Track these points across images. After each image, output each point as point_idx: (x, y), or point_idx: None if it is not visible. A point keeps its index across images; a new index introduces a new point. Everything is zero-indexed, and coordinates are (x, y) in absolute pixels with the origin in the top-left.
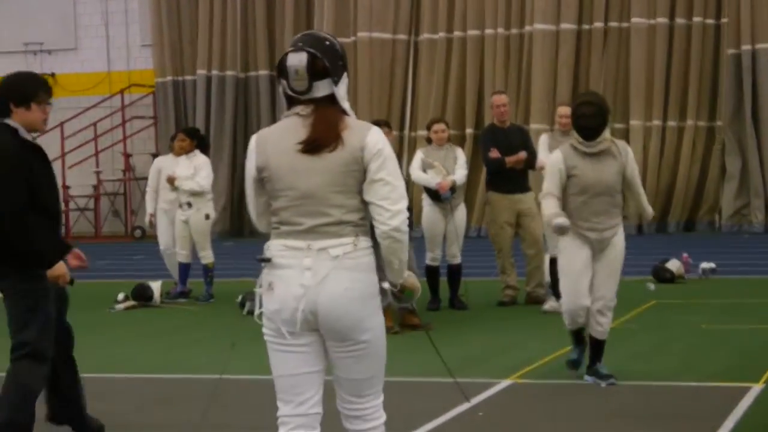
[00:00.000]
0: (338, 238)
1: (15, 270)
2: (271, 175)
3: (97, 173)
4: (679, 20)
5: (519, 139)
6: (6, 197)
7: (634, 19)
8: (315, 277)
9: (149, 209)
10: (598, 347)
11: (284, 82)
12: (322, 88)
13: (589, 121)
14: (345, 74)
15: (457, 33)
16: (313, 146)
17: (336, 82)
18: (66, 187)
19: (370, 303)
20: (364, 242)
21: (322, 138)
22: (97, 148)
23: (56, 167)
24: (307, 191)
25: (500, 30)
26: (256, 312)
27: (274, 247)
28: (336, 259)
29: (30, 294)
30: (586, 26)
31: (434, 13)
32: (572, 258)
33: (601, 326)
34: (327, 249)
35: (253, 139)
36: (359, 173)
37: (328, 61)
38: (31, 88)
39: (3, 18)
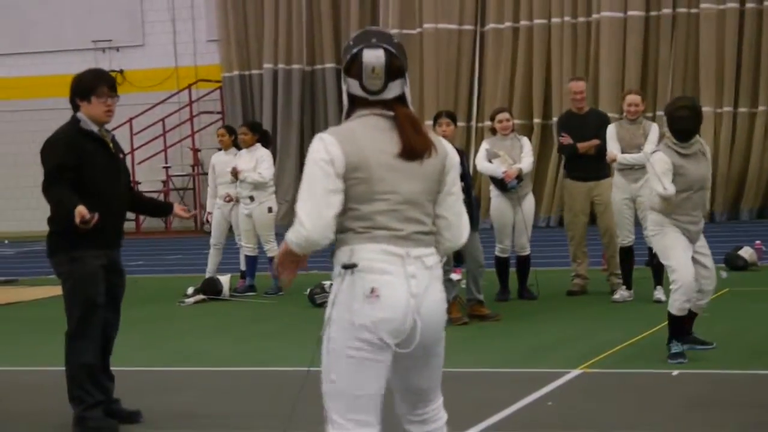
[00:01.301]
0: (429, 247)
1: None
2: (370, 176)
3: (166, 169)
4: (750, 5)
5: (595, 126)
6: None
7: (703, 5)
8: (419, 286)
9: (209, 208)
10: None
11: (352, 80)
12: (394, 89)
13: (687, 124)
14: (407, 75)
15: (523, 22)
16: (413, 153)
17: (406, 83)
18: (136, 183)
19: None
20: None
21: (421, 143)
22: (165, 144)
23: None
24: (410, 196)
25: (567, 18)
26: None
27: (366, 251)
28: (430, 269)
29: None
30: (654, 13)
31: (500, 2)
32: (677, 243)
33: (704, 303)
34: (422, 258)
35: (331, 136)
36: (442, 183)
37: (402, 60)
38: (90, 83)
39: (71, 15)
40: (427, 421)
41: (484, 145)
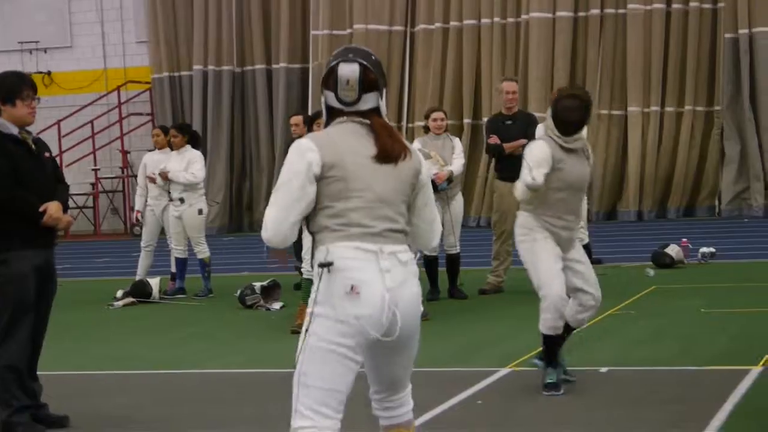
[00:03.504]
0: (402, 244)
1: None
2: (346, 174)
3: (95, 171)
4: (676, 5)
5: (523, 127)
6: None
7: (630, 5)
8: (394, 280)
9: (137, 206)
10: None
11: (329, 93)
12: (369, 101)
13: (573, 115)
14: (385, 89)
15: (453, 23)
16: (388, 155)
17: (381, 96)
18: None
19: None
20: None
21: (395, 147)
22: (94, 146)
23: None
24: (383, 194)
25: (496, 19)
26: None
27: (340, 250)
28: (405, 265)
29: None
30: (582, 13)
31: (430, 3)
32: (547, 253)
33: (586, 317)
34: (396, 254)
35: (309, 140)
36: (415, 189)
37: (377, 74)
38: (14, 86)
39: None
40: (395, 407)
41: (416, 145)
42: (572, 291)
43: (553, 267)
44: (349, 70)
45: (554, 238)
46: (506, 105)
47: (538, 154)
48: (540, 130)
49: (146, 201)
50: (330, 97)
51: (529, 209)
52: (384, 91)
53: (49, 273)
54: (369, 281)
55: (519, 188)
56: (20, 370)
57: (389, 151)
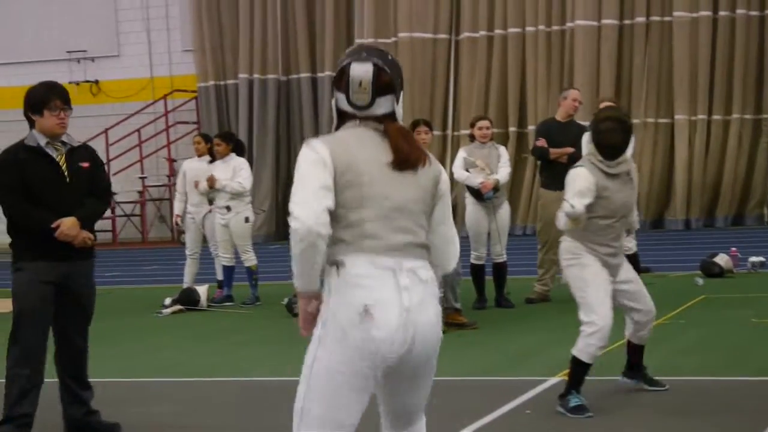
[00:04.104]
0: (423, 260)
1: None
2: (360, 180)
3: (142, 179)
4: (723, 12)
5: (574, 135)
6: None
7: (676, 13)
8: (412, 299)
9: (177, 211)
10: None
11: (340, 95)
12: (383, 105)
13: (614, 138)
14: (402, 93)
15: (497, 31)
16: (405, 162)
17: (397, 100)
18: (112, 194)
19: None
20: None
21: (413, 153)
22: (141, 154)
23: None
24: (402, 203)
25: (541, 27)
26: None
27: (355, 265)
28: (425, 284)
29: None
30: (627, 21)
31: (474, 11)
32: (598, 278)
33: (646, 332)
34: (416, 270)
35: (319, 141)
36: (434, 199)
37: (392, 76)
38: (42, 96)
39: (46, 26)
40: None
41: (462, 153)
42: (626, 311)
43: (602, 293)
44: (362, 71)
45: (602, 264)
46: (569, 111)
47: (581, 184)
48: (586, 138)
49: (186, 207)
50: (341, 100)
51: (573, 236)
52: (401, 94)
53: (67, 286)
54: (385, 301)
55: (560, 218)
56: (22, 375)
57: (407, 157)
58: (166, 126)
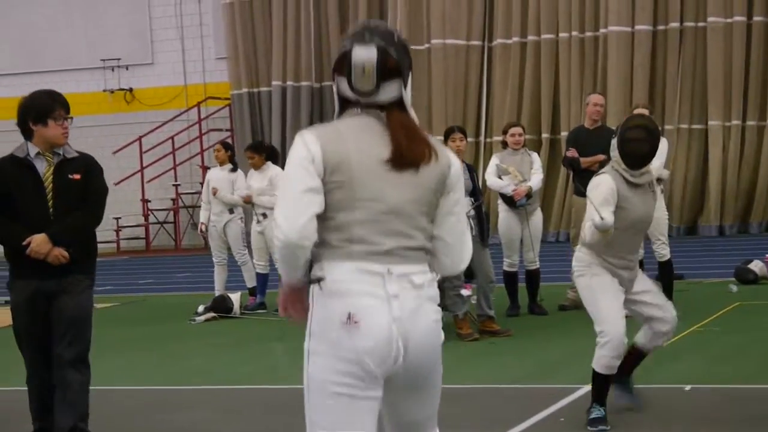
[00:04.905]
0: (419, 264)
1: None
2: (351, 179)
3: (176, 186)
4: (758, 18)
5: (605, 142)
6: None
7: (710, 18)
8: (403, 308)
9: (202, 219)
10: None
11: (341, 79)
12: (389, 91)
13: (640, 147)
14: (410, 75)
15: (531, 37)
16: (402, 160)
17: (404, 85)
18: (145, 201)
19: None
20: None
21: (413, 151)
22: (175, 162)
23: (135, 181)
24: (396, 206)
25: (574, 33)
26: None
27: (340, 271)
28: (420, 288)
29: None
30: (661, 27)
31: (508, 18)
32: (608, 288)
33: (661, 342)
34: (409, 276)
35: (311, 134)
36: (441, 196)
37: (399, 59)
38: (46, 105)
39: (80, 34)
40: None
41: (494, 160)
42: (644, 320)
43: (614, 303)
44: (365, 55)
45: (613, 276)
46: (591, 117)
47: (603, 191)
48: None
49: (210, 215)
50: (343, 85)
51: (588, 246)
52: (409, 76)
53: (56, 305)
54: (371, 308)
55: (587, 230)
56: (33, 390)
57: (404, 155)
58: (199, 133)
